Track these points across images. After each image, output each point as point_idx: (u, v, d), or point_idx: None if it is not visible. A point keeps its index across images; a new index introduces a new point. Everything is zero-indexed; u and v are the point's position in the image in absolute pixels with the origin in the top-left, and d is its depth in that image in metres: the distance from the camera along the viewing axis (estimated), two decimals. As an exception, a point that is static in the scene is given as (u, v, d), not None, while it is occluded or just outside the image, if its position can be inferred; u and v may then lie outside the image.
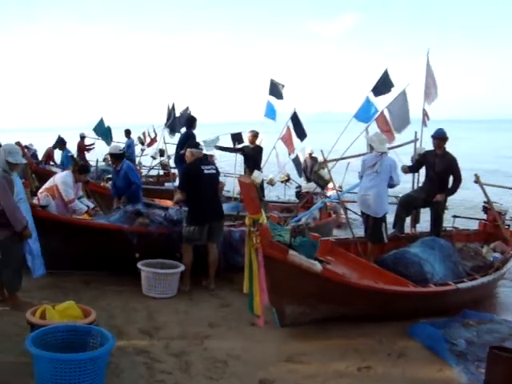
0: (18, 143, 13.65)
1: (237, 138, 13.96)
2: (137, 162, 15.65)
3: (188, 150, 6.95)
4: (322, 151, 7.24)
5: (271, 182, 9.25)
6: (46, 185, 7.50)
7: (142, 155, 15.99)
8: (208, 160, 7.29)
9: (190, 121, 10.41)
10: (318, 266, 5.24)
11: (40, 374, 3.84)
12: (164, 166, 15.33)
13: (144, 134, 17.30)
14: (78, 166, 7.48)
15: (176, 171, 11.86)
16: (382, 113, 8.81)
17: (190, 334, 5.46)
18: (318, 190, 9.20)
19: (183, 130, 12.65)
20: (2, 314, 5.59)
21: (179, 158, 10.16)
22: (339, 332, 5.68)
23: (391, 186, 7.40)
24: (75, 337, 4.26)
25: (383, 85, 9.66)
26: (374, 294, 5.72)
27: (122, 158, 8.03)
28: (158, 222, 6.85)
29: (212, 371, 4.68)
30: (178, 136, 12.94)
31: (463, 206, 13.64)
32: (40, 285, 6.47)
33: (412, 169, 8.25)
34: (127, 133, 15.76)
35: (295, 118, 10.36)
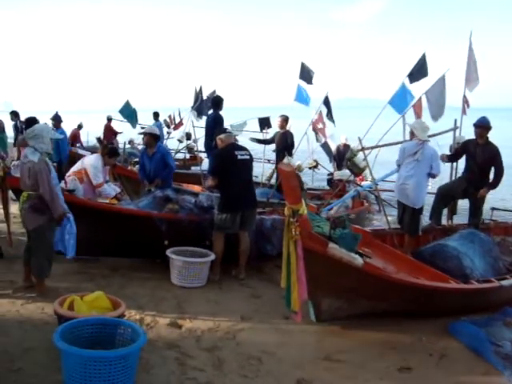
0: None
1: (264, 122, 13.63)
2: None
3: (219, 136, 6.63)
4: (359, 138, 6.86)
5: (299, 169, 8.87)
6: (74, 168, 7.27)
7: (168, 138, 15.69)
8: (241, 146, 6.96)
9: (216, 102, 9.94)
10: (359, 260, 4.91)
11: (68, 369, 3.60)
12: (190, 149, 15.06)
13: (170, 117, 17.01)
14: (108, 148, 7.21)
15: (205, 155, 11.49)
16: (420, 99, 8.36)
17: (221, 326, 5.19)
18: (351, 177, 8.83)
19: (210, 112, 12.46)
20: (28, 301, 5.37)
21: (209, 143, 9.84)
22: (377, 328, 5.37)
23: (431, 175, 7.01)
24: (104, 330, 4.02)
25: (419, 70, 9.21)
26: (415, 290, 5.38)
27: (158, 139, 7.79)
28: (188, 208, 6.57)
29: (246, 369, 4.40)
30: (205, 119, 12.69)
31: (502, 198, 13.11)
32: (67, 271, 6.29)
33: (451, 158, 7.82)
34: (155, 115, 15.50)
35: (327, 103, 9.95)
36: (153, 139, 7.64)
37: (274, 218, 7.10)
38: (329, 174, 10.37)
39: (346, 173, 8.86)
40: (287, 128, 10.14)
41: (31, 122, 9.42)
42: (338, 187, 9.08)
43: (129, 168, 11.36)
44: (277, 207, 8.48)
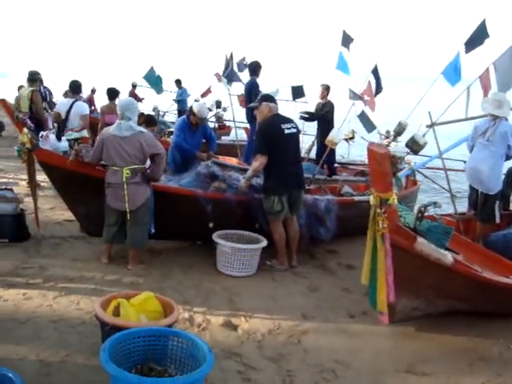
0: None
1: (297, 91, 12.59)
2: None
3: (266, 103, 5.67)
4: (429, 113, 5.89)
5: (331, 143, 7.86)
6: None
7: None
8: (287, 117, 5.99)
9: (253, 67, 8.97)
10: (448, 258, 4.05)
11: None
12: (219, 118, 14.08)
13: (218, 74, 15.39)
14: (145, 117, 6.31)
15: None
16: (487, 70, 7.30)
17: (282, 327, 4.38)
18: (403, 154, 7.88)
19: (242, 79, 11.51)
20: (61, 293, 4.56)
21: (252, 113, 8.90)
22: (455, 331, 4.54)
23: (508, 157, 5.99)
24: (158, 343, 3.20)
25: (476, 38, 8.13)
26: (504, 291, 4.53)
27: None
28: (236, 187, 5.69)
29: (321, 386, 3.60)
30: (236, 86, 11.77)
31: None
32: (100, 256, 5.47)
33: None
34: (178, 82, 14.50)
35: (376, 73, 8.92)
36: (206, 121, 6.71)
37: (328, 199, 6.21)
38: None
39: (397, 149, 7.93)
40: (328, 98, 9.17)
41: (114, 92, 8.83)
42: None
43: (162, 138, 10.46)
44: (323, 184, 7.60)
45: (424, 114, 7.81)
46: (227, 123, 13.61)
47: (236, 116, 11.61)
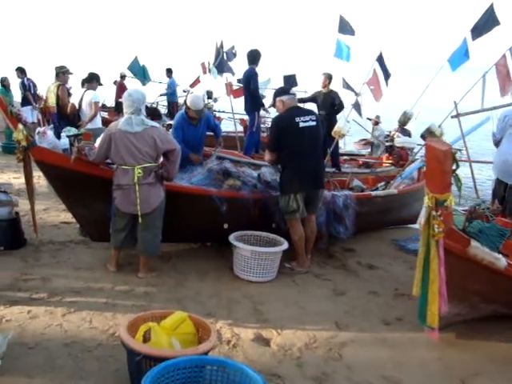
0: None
1: (290, 80, 12.12)
2: (179, 105, 13.82)
3: (280, 97, 5.20)
4: (455, 102, 5.46)
5: (338, 134, 7.41)
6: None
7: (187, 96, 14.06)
8: (305, 109, 5.53)
9: (253, 56, 8.44)
10: (502, 262, 3.65)
11: None
12: (209, 109, 13.49)
13: (203, 64, 14.67)
14: (151, 110, 5.75)
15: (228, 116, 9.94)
16: (504, 57, 6.89)
17: (318, 340, 3.93)
18: (412, 145, 7.48)
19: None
20: (70, 309, 4.02)
21: (251, 103, 8.42)
22: (499, 338, 4.16)
23: None
24: (200, 374, 2.73)
25: (484, 24, 7.73)
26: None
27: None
28: (251, 184, 5.20)
29: (376, 412, 3.17)
30: (226, 76, 11.19)
31: None
32: (105, 262, 4.94)
33: None
34: (168, 71, 13.86)
35: (381, 60, 8.47)
36: (202, 112, 6.11)
37: (345, 195, 5.77)
38: (387, 140, 8.99)
39: (408, 140, 7.53)
40: (330, 87, 8.71)
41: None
42: (400, 156, 7.71)
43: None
44: (331, 178, 7.14)
45: (427, 103, 7.43)
46: (217, 114, 13.03)
47: (227, 107, 11.08)
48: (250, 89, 8.36)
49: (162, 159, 4.63)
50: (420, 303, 3.65)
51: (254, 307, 4.37)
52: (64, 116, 8.07)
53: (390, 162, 8.31)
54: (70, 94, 8.19)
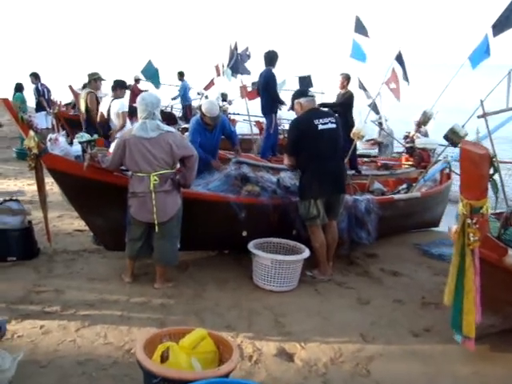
0: (69, 86, 11.80)
1: (305, 82, 11.87)
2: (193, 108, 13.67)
3: (298, 100, 4.99)
4: (481, 100, 5.21)
5: (357, 135, 7.13)
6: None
7: (201, 99, 13.88)
8: (324, 111, 5.31)
9: (270, 57, 8.29)
10: (540, 270, 3.39)
11: None
12: (224, 111, 13.31)
13: (217, 67, 14.54)
14: (166, 114, 5.58)
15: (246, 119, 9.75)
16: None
17: (344, 354, 3.70)
18: (434, 146, 7.21)
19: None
20: (84, 323, 3.84)
21: (268, 105, 8.23)
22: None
23: None
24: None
25: (506, 20, 7.43)
26: None
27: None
28: (271, 190, 4.98)
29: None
30: (241, 79, 10.99)
31: None
32: (119, 272, 4.76)
33: None
34: (180, 75, 13.72)
35: (400, 59, 8.22)
36: (218, 119, 5.92)
37: (367, 199, 5.53)
38: (407, 142, 8.70)
39: (430, 140, 7.27)
40: (348, 88, 8.46)
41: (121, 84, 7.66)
42: (421, 157, 7.44)
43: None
44: (350, 180, 6.89)
45: (446, 102, 7.15)
46: (232, 116, 12.83)
47: (242, 109, 10.89)
48: (267, 90, 8.20)
49: (178, 165, 4.44)
50: (453, 313, 3.43)
51: (275, 319, 4.15)
52: (92, 124, 7.82)
53: (410, 163, 8.05)
54: (98, 102, 7.92)
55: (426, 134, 9.29)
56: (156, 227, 4.28)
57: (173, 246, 4.47)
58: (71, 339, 3.58)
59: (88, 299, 4.21)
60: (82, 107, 8.12)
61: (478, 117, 5.16)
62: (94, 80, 8.11)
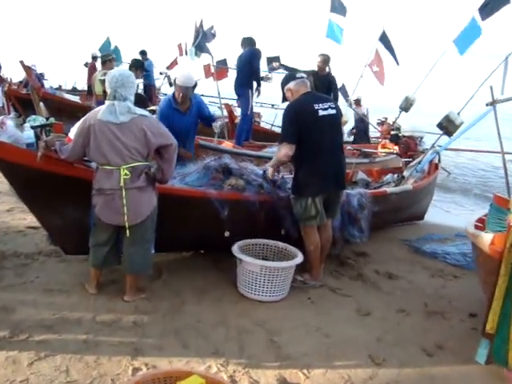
0: (20, 61, 10.73)
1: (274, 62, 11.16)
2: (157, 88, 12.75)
3: (287, 86, 4.25)
4: (491, 87, 4.64)
5: (343, 120, 6.57)
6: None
7: (164, 79, 12.91)
8: (322, 95, 4.62)
9: (250, 40, 7.89)
10: None
11: None
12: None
13: (180, 46, 13.46)
14: (135, 96, 4.73)
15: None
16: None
17: (352, 380, 3.09)
18: (421, 134, 6.67)
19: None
20: (39, 352, 3.04)
21: (241, 83, 7.60)
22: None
23: None
24: None
25: (493, 3, 6.95)
26: None
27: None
28: (257, 184, 4.27)
29: None
30: (205, 57, 10.26)
31: None
32: (81, 281, 3.97)
33: None
34: (143, 54, 12.72)
35: (385, 40, 7.60)
36: (192, 92, 5.17)
37: (360, 193, 4.91)
38: (393, 129, 8.04)
39: (418, 128, 6.71)
40: (327, 70, 7.83)
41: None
42: (408, 146, 6.84)
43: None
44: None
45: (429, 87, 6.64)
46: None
47: (206, 90, 10.15)
48: (250, 64, 7.60)
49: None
50: (496, 342, 2.86)
51: (269, 338, 3.48)
52: None
53: (393, 151, 7.48)
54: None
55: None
56: (127, 231, 3.51)
57: (146, 252, 3.70)
58: (23, 378, 2.78)
59: (45, 318, 3.41)
60: (98, 89, 7.36)
61: (487, 104, 4.59)
62: (110, 60, 7.69)
